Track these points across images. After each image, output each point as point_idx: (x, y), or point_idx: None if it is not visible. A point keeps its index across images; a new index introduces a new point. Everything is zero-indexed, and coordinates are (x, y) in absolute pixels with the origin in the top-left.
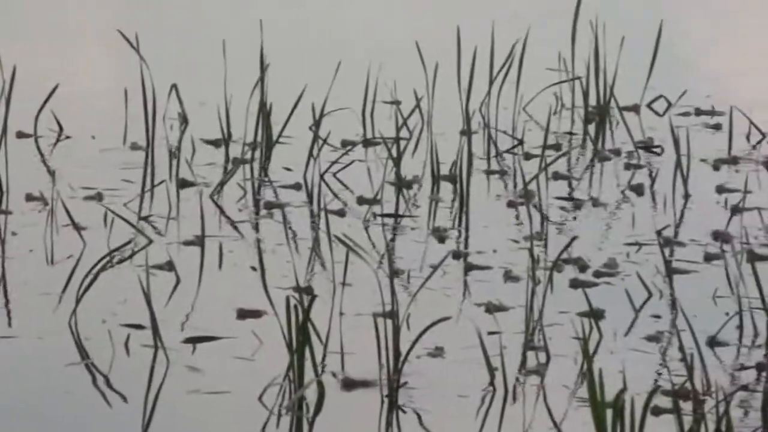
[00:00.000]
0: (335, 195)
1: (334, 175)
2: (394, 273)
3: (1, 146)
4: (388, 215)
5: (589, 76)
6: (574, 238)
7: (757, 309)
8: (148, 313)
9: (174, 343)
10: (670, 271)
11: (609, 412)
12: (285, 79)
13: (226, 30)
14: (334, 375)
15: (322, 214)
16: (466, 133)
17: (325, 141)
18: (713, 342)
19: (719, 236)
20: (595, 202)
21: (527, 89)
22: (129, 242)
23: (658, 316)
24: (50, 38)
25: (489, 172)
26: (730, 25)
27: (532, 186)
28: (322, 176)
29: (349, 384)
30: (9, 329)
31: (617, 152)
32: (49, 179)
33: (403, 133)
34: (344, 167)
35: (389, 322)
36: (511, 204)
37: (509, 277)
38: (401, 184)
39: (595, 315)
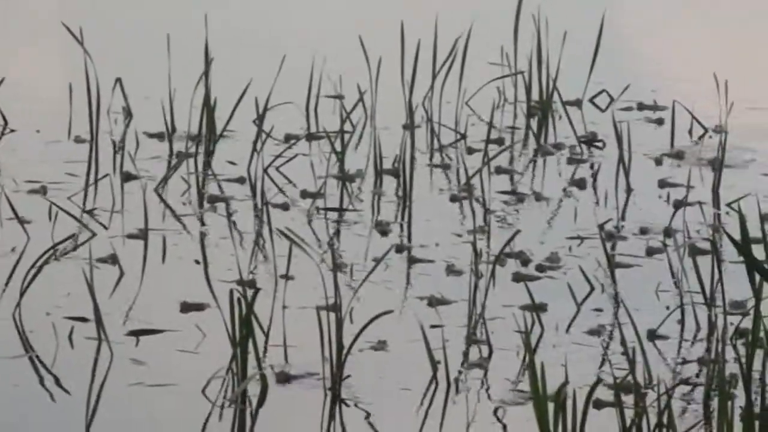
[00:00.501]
0: (279, 189)
1: (278, 169)
2: (337, 266)
3: None
4: (332, 209)
5: (532, 71)
6: (516, 232)
7: (698, 303)
8: (91, 306)
9: (118, 336)
10: (612, 265)
11: (551, 406)
12: (229, 74)
13: (171, 24)
14: (271, 368)
15: (266, 207)
16: (409, 127)
17: (268, 135)
18: (655, 336)
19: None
20: (538, 197)
21: (470, 83)
22: (73, 235)
23: (600, 310)
24: None
25: (432, 166)
26: (673, 20)
27: (475, 180)
28: (265, 170)
29: (284, 378)
30: None
31: (560, 146)
32: None
33: (347, 127)
34: (288, 161)
35: (332, 315)
36: (454, 198)
37: (452, 270)
38: (344, 178)
39: (538, 308)
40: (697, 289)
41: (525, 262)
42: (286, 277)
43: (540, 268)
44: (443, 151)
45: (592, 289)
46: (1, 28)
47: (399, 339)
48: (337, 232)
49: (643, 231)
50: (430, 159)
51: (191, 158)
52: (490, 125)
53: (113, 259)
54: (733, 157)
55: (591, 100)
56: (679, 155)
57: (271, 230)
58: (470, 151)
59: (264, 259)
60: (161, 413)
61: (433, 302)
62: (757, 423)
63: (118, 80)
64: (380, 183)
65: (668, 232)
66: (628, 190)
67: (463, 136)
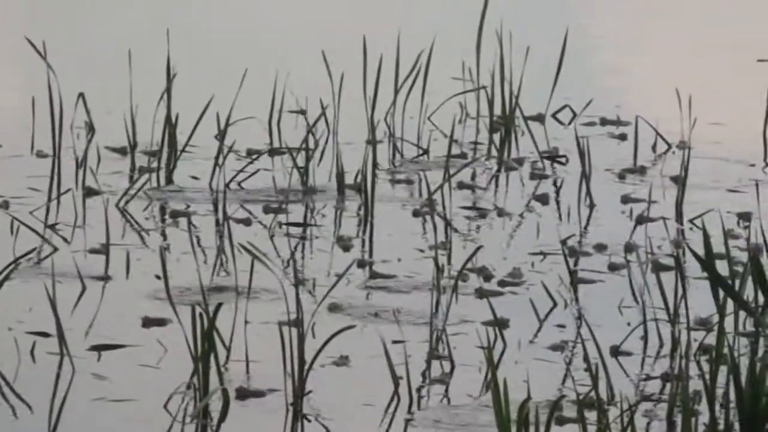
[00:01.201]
0: (241, 204)
1: (240, 184)
2: (299, 282)
3: None
4: (294, 224)
5: (494, 86)
6: (479, 248)
7: (662, 319)
8: (53, 321)
9: (79, 351)
10: (575, 281)
11: (514, 421)
12: (192, 88)
13: (133, 39)
14: (233, 384)
15: (228, 222)
16: (372, 142)
17: (230, 149)
18: (618, 352)
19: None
20: (500, 212)
21: (432, 98)
22: (34, 250)
23: (562, 326)
24: None
25: (394, 182)
26: (636, 35)
27: (437, 195)
28: (227, 185)
29: (245, 394)
30: None
31: (522, 162)
32: None
33: (310, 142)
34: (250, 176)
35: (294, 330)
36: (416, 213)
37: (414, 286)
38: (307, 193)
39: (500, 324)
40: (660, 305)
41: (487, 278)
42: (248, 292)
43: (502, 283)
44: (405, 167)
45: (555, 304)
46: None
47: (361, 354)
48: (299, 247)
49: (606, 247)
50: (393, 174)
51: (153, 173)
52: (451, 140)
53: (75, 274)
54: (695, 172)
55: (554, 116)
56: (642, 171)
57: (233, 245)
58: (432, 166)
59: (226, 274)
60: (123, 428)
61: (395, 318)
62: None
63: (81, 95)
64: (342, 198)
65: (630, 248)
66: (591, 206)
67: (426, 152)
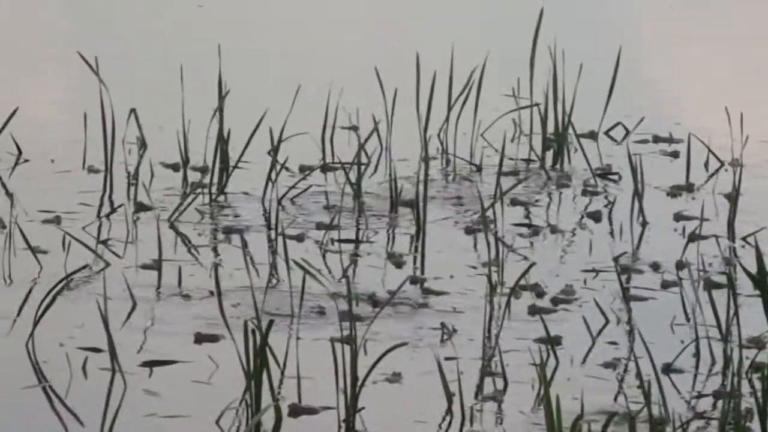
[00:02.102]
0: (293, 220)
1: (292, 200)
2: (351, 298)
3: None
4: (346, 240)
5: (548, 103)
6: (531, 265)
7: (713, 337)
8: (105, 337)
9: (131, 367)
10: (627, 298)
11: None
12: (244, 104)
13: (186, 54)
14: (285, 400)
15: (280, 238)
16: (424, 158)
17: (283, 166)
18: (670, 369)
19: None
20: (553, 229)
21: (485, 115)
22: (86, 266)
23: (615, 343)
24: (9, 60)
25: (447, 198)
26: (688, 53)
27: (490, 212)
28: (279, 201)
29: (297, 410)
30: None
31: (575, 179)
32: (7, 202)
33: (362, 158)
34: (302, 192)
35: (347, 347)
36: (468, 230)
37: (467, 303)
38: (359, 210)
39: (552, 341)
40: (712, 322)
41: (540, 295)
42: (300, 308)
43: (555, 301)
44: (458, 183)
45: (607, 322)
46: (16, 57)
47: (414, 371)
48: (352, 264)
49: (658, 264)
50: (445, 191)
51: (205, 189)
52: (502, 157)
53: (127, 290)
54: (747, 190)
55: (606, 133)
56: (694, 188)
57: (286, 261)
58: (485, 183)
59: (278, 290)
60: None
61: (448, 334)
62: None
63: (133, 110)
64: (395, 214)
65: (682, 266)
66: (644, 223)
67: (479, 168)
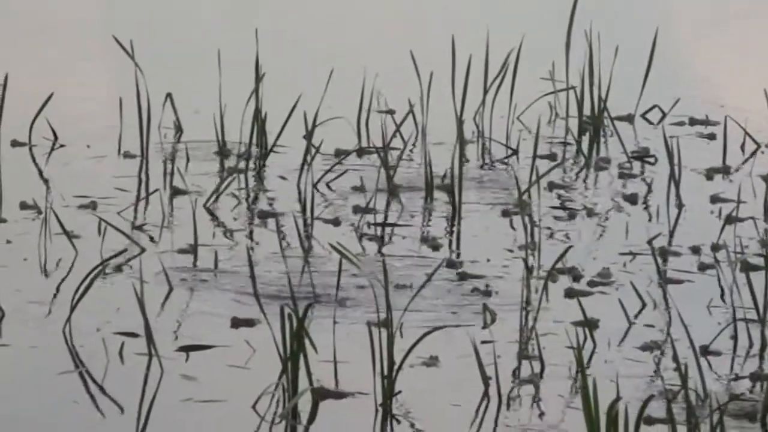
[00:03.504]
0: (329, 204)
1: (328, 184)
2: (387, 282)
3: None
4: (382, 224)
5: (584, 86)
6: (568, 248)
7: (751, 319)
8: (142, 322)
9: (168, 352)
10: (664, 281)
11: (603, 421)
12: (280, 88)
13: (222, 38)
14: (322, 384)
15: (316, 222)
16: (460, 142)
17: (317, 150)
18: (707, 351)
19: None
20: (589, 212)
21: (521, 98)
22: (123, 251)
23: (651, 326)
24: (44, 46)
25: (483, 181)
26: (726, 35)
27: (526, 195)
28: (315, 185)
29: (334, 394)
30: (2, 338)
31: (611, 162)
32: (43, 188)
33: (398, 142)
34: (338, 176)
35: (383, 331)
36: (505, 213)
37: (503, 286)
38: (395, 193)
39: (590, 324)
40: (749, 304)
41: (577, 278)
42: (337, 292)
43: (592, 283)
44: (494, 166)
45: (644, 304)
46: (52, 43)
47: (450, 355)
48: (388, 247)
49: (695, 247)
50: (481, 174)
51: (241, 173)
52: (537, 140)
53: (163, 275)
54: None
55: (643, 116)
56: (731, 170)
57: (322, 245)
58: (521, 166)
59: (314, 274)
60: (211, 429)
61: (485, 318)
62: None
63: (169, 95)
64: (431, 198)
65: (718, 248)
66: (680, 206)
67: (515, 152)
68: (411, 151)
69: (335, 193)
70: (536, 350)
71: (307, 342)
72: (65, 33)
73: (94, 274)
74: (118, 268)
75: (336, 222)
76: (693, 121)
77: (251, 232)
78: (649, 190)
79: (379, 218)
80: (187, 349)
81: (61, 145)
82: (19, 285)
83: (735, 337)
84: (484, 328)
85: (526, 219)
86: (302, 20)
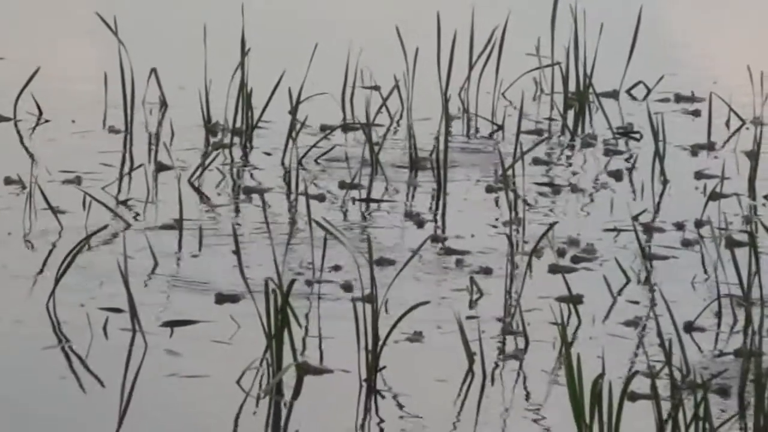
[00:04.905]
0: (314, 179)
1: (316, 160)
2: (372, 257)
3: None
4: (367, 200)
5: (569, 62)
6: (553, 224)
7: (735, 296)
8: (126, 297)
9: (152, 327)
10: (649, 257)
11: (587, 397)
12: (265, 64)
13: (206, 14)
14: (306, 359)
15: (301, 198)
16: (446, 118)
17: (303, 125)
18: (691, 327)
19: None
20: (574, 188)
21: (507, 75)
22: (107, 226)
23: (636, 302)
24: (29, 22)
25: (468, 157)
26: (710, 12)
27: (511, 171)
28: (300, 161)
29: (319, 370)
30: None
31: (596, 138)
32: (28, 162)
33: (383, 118)
34: (325, 153)
35: (368, 306)
36: (489, 189)
37: (488, 261)
38: (380, 169)
39: (574, 300)
40: (733, 280)
41: (561, 254)
42: (322, 268)
43: (576, 259)
44: (479, 142)
45: (629, 280)
46: (36, 19)
47: (435, 330)
48: (373, 223)
49: (679, 222)
50: (466, 150)
51: (226, 149)
52: (520, 116)
53: (147, 250)
54: None
55: (628, 92)
56: (715, 147)
57: (309, 221)
58: (506, 141)
59: (299, 250)
60: (195, 404)
61: (469, 293)
62: None
63: (153, 70)
64: (416, 174)
65: (702, 224)
66: (664, 182)
67: (500, 127)
68: (396, 126)
69: (320, 169)
70: (521, 326)
71: (291, 317)
72: (50, 9)
73: (78, 249)
74: (103, 244)
75: (321, 198)
76: (678, 98)
77: (236, 208)
78: (634, 166)
79: (365, 194)
80: (171, 324)
81: (46, 120)
82: (3, 260)
83: (719, 314)
84: (469, 304)
85: (511, 195)
86: None
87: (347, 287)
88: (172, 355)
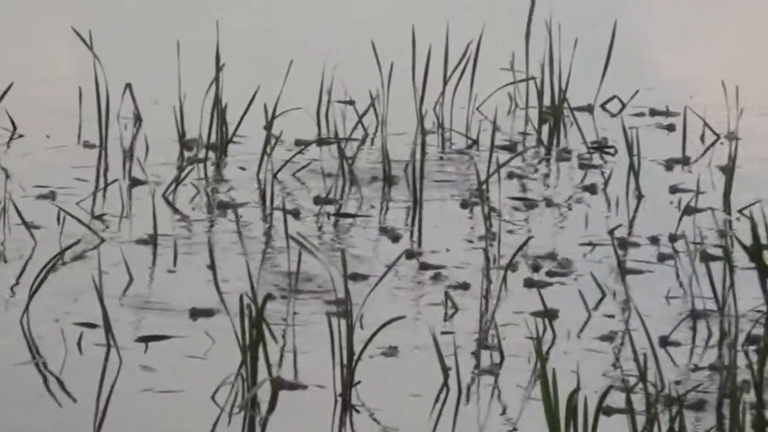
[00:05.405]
0: (289, 194)
1: (293, 174)
2: (347, 272)
3: None
4: (343, 215)
5: (543, 76)
6: (528, 239)
7: (710, 310)
8: (100, 312)
9: (127, 342)
10: (624, 271)
11: (562, 412)
12: (240, 79)
13: (181, 29)
14: (281, 374)
15: (276, 213)
16: (421, 132)
17: (278, 140)
18: (666, 342)
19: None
20: (549, 202)
21: (481, 89)
22: (79, 240)
23: (611, 316)
24: (4, 35)
25: (443, 172)
26: (685, 27)
27: (486, 186)
28: (275, 175)
29: (294, 385)
30: None
31: (571, 152)
32: (1, 177)
33: (358, 132)
34: (301, 168)
35: (343, 321)
36: (464, 204)
37: (463, 276)
38: (355, 184)
39: (549, 315)
40: (709, 295)
41: (536, 268)
42: (296, 283)
43: (551, 274)
44: (454, 157)
45: (604, 295)
46: (11, 32)
47: (410, 345)
48: (348, 238)
49: (654, 237)
50: (441, 165)
51: (201, 164)
52: (494, 130)
53: (122, 265)
54: (743, 162)
55: (602, 106)
56: (690, 161)
57: (287, 236)
58: (481, 156)
59: (274, 264)
60: (170, 420)
61: (444, 308)
62: None
63: (128, 85)
64: (390, 189)
65: (677, 238)
66: (639, 196)
67: (475, 142)
68: (372, 141)
69: (295, 184)
70: (496, 341)
71: (266, 332)
72: (25, 23)
73: (53, 264)
74: (77, 258)
75: (296, 213)
76: (653, 112)
77: (211, 223)
78: (609, 181)
79: (340, 209)
80: (146, 339)
81: (20, 135)
82: None
83: (694, 328)
84: (444, 319)
85: (486, 209)
86: (262, 11)
87: (322, 302)
88: (147, 371)
